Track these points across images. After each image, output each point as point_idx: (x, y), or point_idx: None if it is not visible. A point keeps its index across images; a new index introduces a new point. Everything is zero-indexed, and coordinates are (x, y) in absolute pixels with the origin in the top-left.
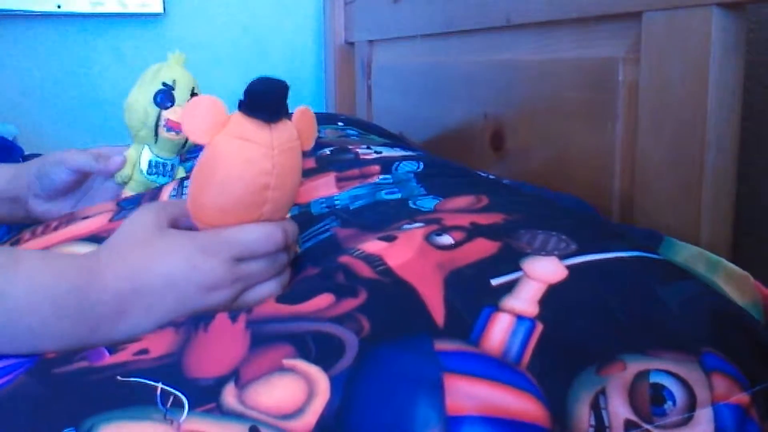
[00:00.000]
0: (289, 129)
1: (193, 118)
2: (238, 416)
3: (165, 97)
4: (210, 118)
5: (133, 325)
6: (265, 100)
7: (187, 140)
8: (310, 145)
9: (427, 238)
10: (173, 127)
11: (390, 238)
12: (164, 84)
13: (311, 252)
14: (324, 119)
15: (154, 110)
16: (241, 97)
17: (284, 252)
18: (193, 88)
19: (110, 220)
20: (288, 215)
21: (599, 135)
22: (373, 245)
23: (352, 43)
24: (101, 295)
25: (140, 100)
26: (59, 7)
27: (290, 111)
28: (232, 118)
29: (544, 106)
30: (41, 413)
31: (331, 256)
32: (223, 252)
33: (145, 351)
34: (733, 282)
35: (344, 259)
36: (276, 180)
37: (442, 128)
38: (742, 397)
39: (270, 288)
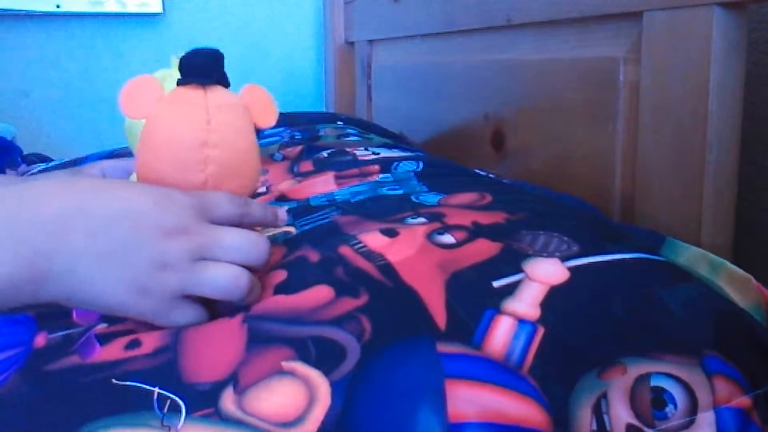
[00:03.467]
0: (230, 93)
1: (130, 97)
2: (237, 423)
3: None
4: (147, 95)
5: (73, 254)
6: (195, 64)
7: None
8: (267, 122)
9: (429, 236)
10: None
11: (392, 233)
12: None
13: (309, 234)
14: (324, 119)
15: None
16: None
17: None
18: None
19: None
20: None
21: (600, 135)
22: (374, 239)
23: (352, 43)
24: (40, 210)
25: (137, 124)
26: (58, 6)
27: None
28: (168, 92)
29: (545, 105)
30: (36, 419)
31: (331, 240)
32: (193, 206)
33: (137, 342)
34: (735, 284)
35: (344, 250)
36: (214, 137)
37: (443, 128)
38: (743, 401)
39: (233, 273)
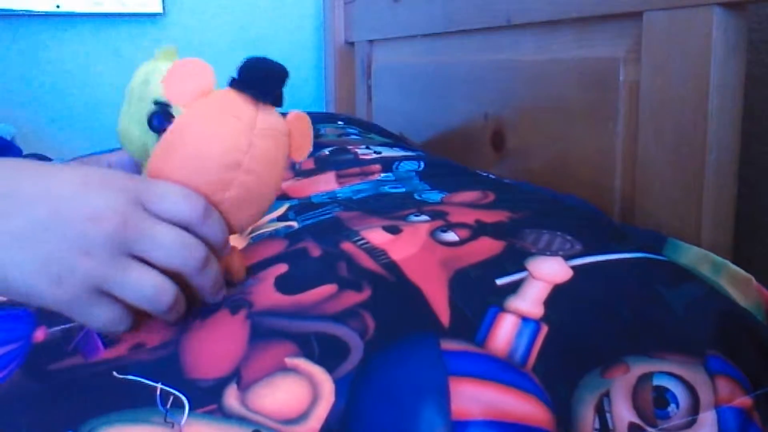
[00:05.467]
0: (279, 119)
1: (176, 78)
2: (240, 419)
3: (161, 118)
4: (195, 81)
5: None
6: (256, 76)
7: None
8: (302, 156)
9: (432, 234)
10: None
11: (395, 230)
12: (156, 102)
13: (311, 228)
14: (324, 119)
15: (152, 137)
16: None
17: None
18: None
19: None
20: (244, 241)
21: (600, 135)
22: (377, 235)
23: (352, 43)
24: None
25: (132, 129)
26: (58, 6)
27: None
28: (218, 90)
29: (545, 106)
30: (39, 415)
31: (333, 235)
32: (131, 191)
33: (141, 345)
34: (736, 284)
35: (347, 246)
36: (250, 162)
37: (443, 128)
38: (744, 401)
39: (157, 284)
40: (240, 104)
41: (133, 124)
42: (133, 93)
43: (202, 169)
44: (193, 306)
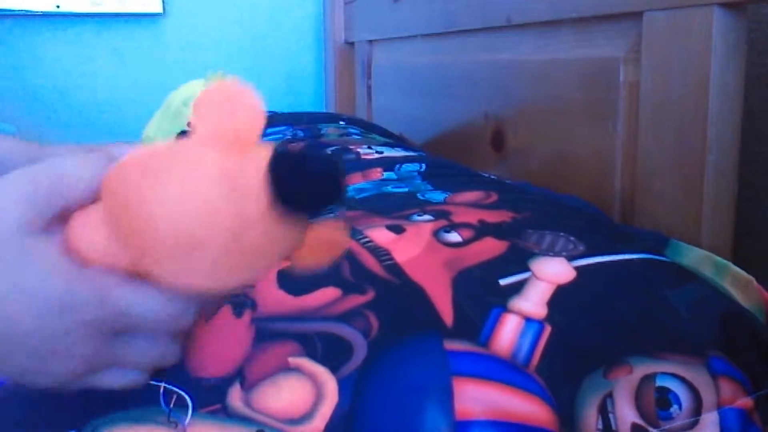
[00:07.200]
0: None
1: (219, 108)
2: (244, 419)
3: None
4: (239, 121)
5: None
6: (307, 184)
7: None
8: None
9: (435, 234)
10: None
11: (398, 230)
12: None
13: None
14: (326, 119)
15: None
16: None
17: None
18: None
19: None
20: None
21: (600, 135)
22: (380, 234)
23: (352, 43)
24: None
25: (158, 140)
26: (58, 7)
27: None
28: (257, 167)
29: (545, 106)
30: (41, 415)
31: None
32: (101, 320)
33: None
34: (738, 285)
35: (350, 244)
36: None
37: (443, 128)
38: (746, 402)
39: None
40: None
41: (160, 135)
42: (170, 106)
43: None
44: None
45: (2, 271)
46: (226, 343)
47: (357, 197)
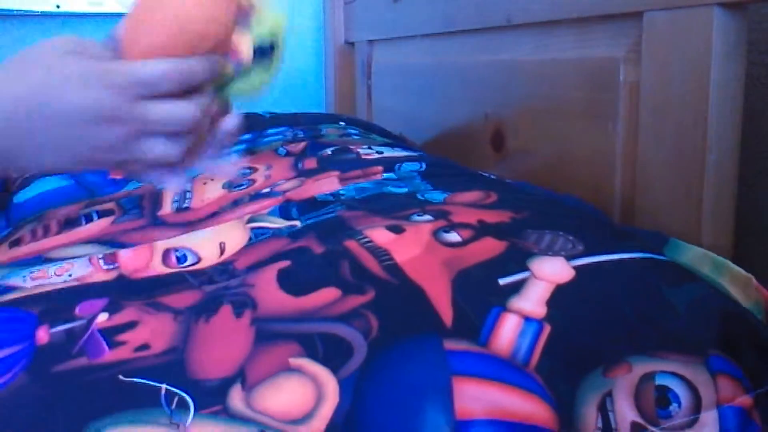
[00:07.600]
0: None
1: None
2: (245, 420)
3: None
4: None
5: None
6: None
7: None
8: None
9: (435, 234)
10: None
11: (398, 230)
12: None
13: (314, 227)
14: (326, 119)
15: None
16: None
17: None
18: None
19: (113, 223)
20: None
21: (600, 135)
22: (380, 234)
23: (352, 43)
24: None
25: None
26: (58, 7)
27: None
28: None
29: (545, 106)
30: (43, 417)
31: (337, 235)
32: (127, 86)
33: (146, 346)
34: (737, 284)
35: (350, 244)
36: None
37: (443, 128)
38: (745, 400)
39: (166, 149)
40: None
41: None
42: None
43: (181, 34)
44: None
45: (48, 82)
46: (226, 344)
47: (357, 197)
